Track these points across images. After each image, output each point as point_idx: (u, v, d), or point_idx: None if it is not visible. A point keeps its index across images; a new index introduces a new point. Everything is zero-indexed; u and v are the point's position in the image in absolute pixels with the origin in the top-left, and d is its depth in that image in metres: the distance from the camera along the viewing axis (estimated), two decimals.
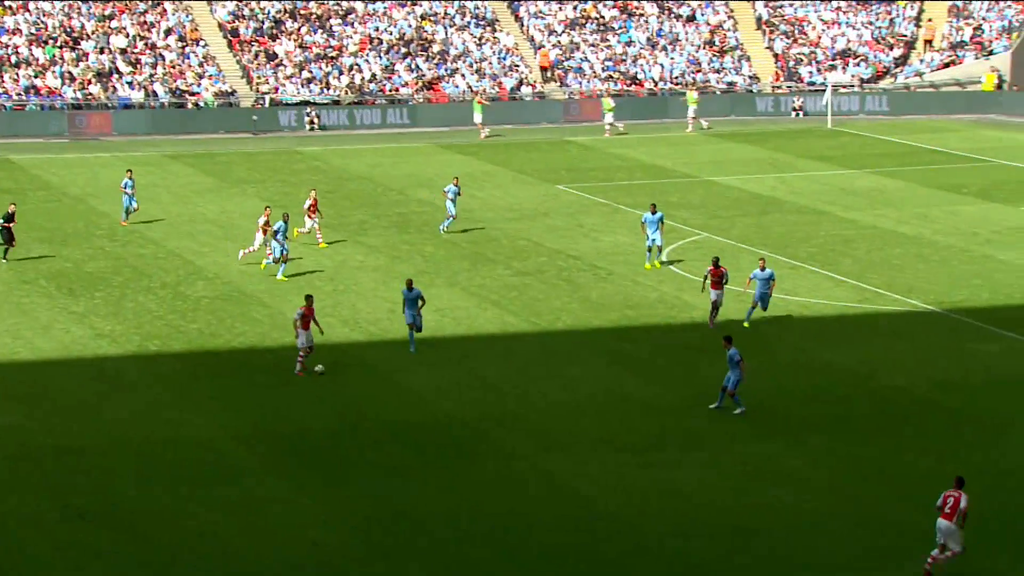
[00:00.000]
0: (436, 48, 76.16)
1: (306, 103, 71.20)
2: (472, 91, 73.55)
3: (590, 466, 27.63)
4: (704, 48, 78.21)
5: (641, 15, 79.86)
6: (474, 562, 23.67)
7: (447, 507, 25.80)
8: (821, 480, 26.84)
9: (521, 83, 75.09)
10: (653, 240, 41.62)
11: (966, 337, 35.47)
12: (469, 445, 28.88)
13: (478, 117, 67.83)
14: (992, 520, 24.99)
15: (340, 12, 76.88)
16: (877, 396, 31.48)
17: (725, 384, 30.15)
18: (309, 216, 44.93)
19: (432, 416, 30.53)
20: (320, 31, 75.65)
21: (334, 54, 74.56)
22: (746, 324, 35.60)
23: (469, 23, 78.00)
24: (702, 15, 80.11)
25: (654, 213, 41.60)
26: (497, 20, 78.80)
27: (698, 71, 76.69)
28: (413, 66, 74.80)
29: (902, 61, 77.60)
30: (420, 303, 34.02)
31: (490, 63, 75.76)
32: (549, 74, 76.05)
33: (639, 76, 76.17)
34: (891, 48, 78.08)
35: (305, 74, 72.89)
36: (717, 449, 28.43)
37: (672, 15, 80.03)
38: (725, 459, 27.88)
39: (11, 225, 42.71)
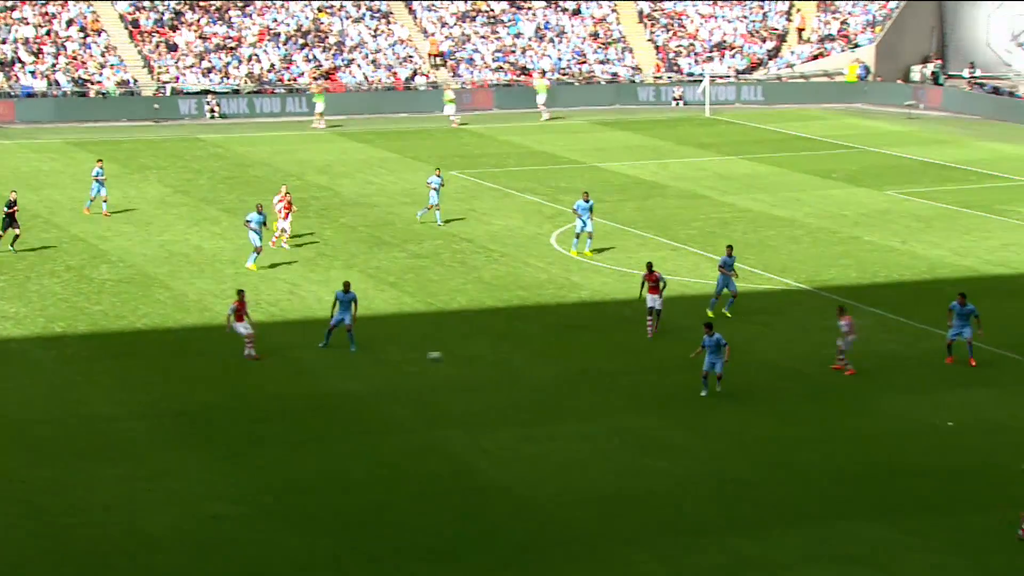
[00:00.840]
0: (333, 39, 75.62)
1: (206, 92, 70.27)
2: (368, 81, 73.16)
3: (482, 440, 27.66)
4: (589, 40, 78.50)
5: (529, 8, 79.93)
6: (370, 530, 23.57)
7: (343, 479, 25.68)
8: (697, 450, 27.13)
9: (415, 73, 74.83)
10: (584, 227, 41.04)
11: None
12: (365, 420, 28.75)
13: (320, 107, 67.04)
14: (856, 483, 25.45)
15: (239, 4, 75.97)
16: (752, 369, 31.85)
17: (708, 371, 29.53)
18: (285, 210, 42.79)
19: (330, 393, 30.35)
20: (219, 22, 74.71)
21: (233, 45, 73.67)
22: (728, 313, 35.13)
23: (364, 15, 77.55)
24: (587, 9, 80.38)
25: (587, 201, 41.20)
26: (391, 13, 78.44)
27: (583, 62, 76.96)
28: (310, 56, 74.20)
29: (774, 53, 78.53)
30: (354, 306, 32.77)
31: (385, 54, 75.41)
32: (439, 60, 75.89)
33: (528, 67, 76.26)
34: (764, 41, 78.98)
35: (205, 64, 71.94)
36: (602, 423, 28.61)
37: (559, 8, 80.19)
38: (609, 432, 28.06)
39: (14, 211, 41.39)
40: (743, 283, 37.78)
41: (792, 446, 27.28)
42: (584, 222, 41.08)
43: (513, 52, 77.06)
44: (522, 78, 75.44)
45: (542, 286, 38.80)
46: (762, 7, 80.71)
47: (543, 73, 73.03)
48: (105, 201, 46.58)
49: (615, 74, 76.70)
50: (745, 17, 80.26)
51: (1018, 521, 23.44)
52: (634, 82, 76.10)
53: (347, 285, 32.99)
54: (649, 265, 34.15)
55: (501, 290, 38.41)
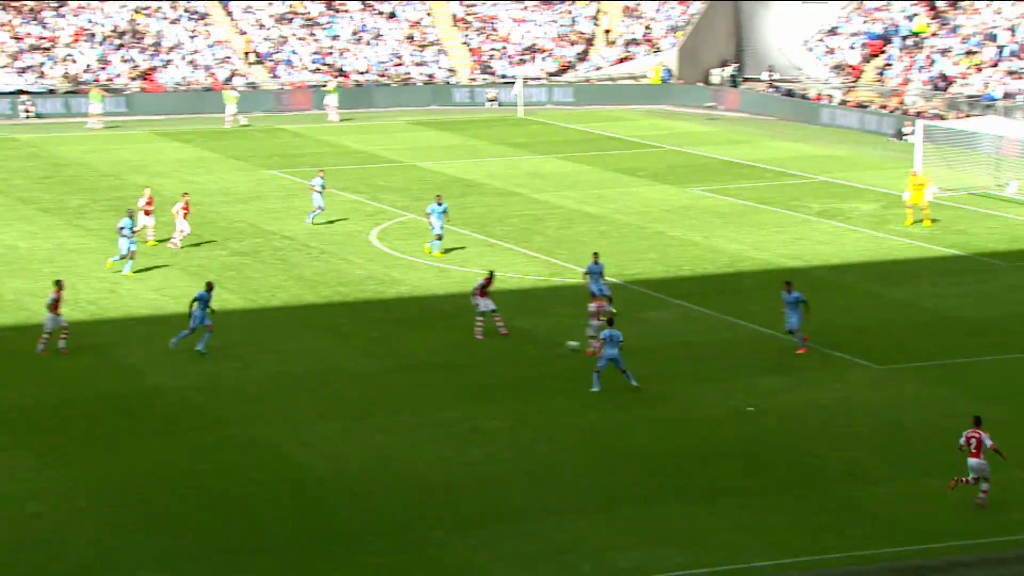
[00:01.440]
0: (150, 40, 73.95)
1: (20, 92, 67.97)
2: (204, 81, 71.72)
3: (304, 434, 27.38)
4: (405, 42, 78.36)
5: (345, 11, 79.41)
6: (193, 526, 23.12)
7: (166, 476, 25.14)
8: (513, 439, 27.30)
9: (233, 74, 73.66)
10: (438, 230, 40.60)
11: (643, 306, 36.62)
12: (187, 417, 28.19)
13: (95, 107, 65.19)
14: (664, 467, 25.94)
15: (52, 5, 73.71)
16: (562, 360, 32.16)
17: (603, 367, 29.44)
18: (146, 214, 41.29)
19: (150, 389, 29.68)
20: (33, 22, 72.38)
21: (48, 45, 71.45)
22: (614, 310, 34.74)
23: (181, 17, 76.01)
24: (402, 12, 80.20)
25: (440, 204, 40.80)
26: (208, 14, 77.05)
27: (399, 64, 76.81)
28: (128, 57, 72.43)
29: (583, 56, 79.50)
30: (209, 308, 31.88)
31: (202, 55, 74.07)
32: (254, 59, 74.85)
33: (345, 68, 75.77)
34: (573, 44, 79.89)
35: (19, 64, 69.57)
36: (422, 414, 28.59)
37: (375, 11, 79.84)
38: (429, 423, 28.06)
39: None
40: (559, 277, 38.19)
41: (602, 433, 27.64)
42: (437, 225, 40.64)
43: (331, 54, 76.47)
44: (339, 79, 74.90)
45: (362, 282, 38.59)
46: (570, 12, 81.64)
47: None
48: None
49: (431, 76, 76.73)
50: (555, 21, 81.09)
51: (816, 501, 24.21)
52: (449, 84, 76.23)
53: (210, 285, 31.92)
54: (491, 273, 33.72)
55: (322, 286, 38.08)
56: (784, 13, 79.37)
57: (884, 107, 67.20)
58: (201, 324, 31.69)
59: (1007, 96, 62.35)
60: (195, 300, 31.67)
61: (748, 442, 27.18)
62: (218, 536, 22.87)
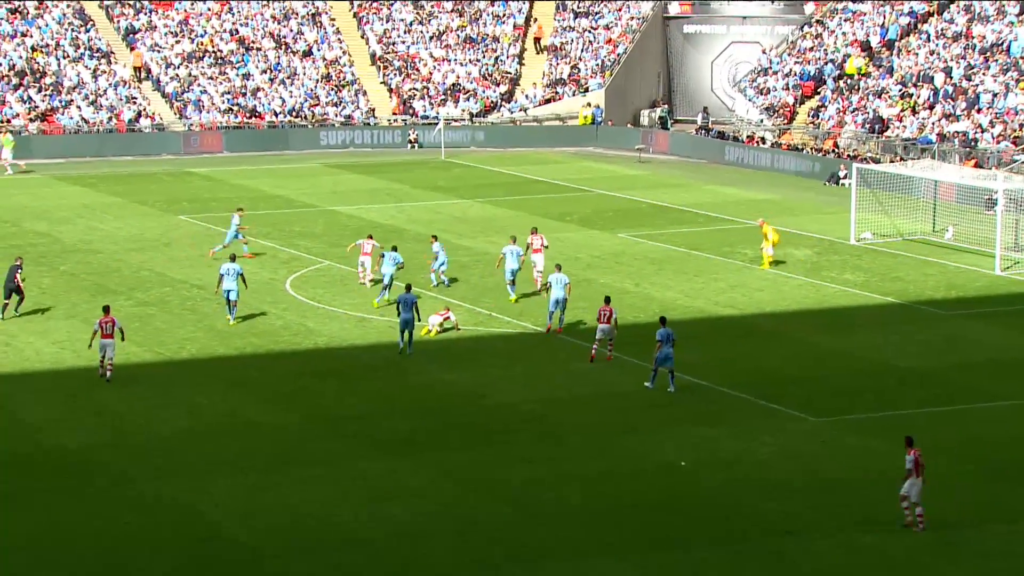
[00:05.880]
0: (49, 80, 73.53)
1: None
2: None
3: (214, 490, 27.29)
4: (322, 82, 78.61)
5: (258, 49, 79.53)
6: None
7: (66, 536, 24.93)
8: (436, 493, 27.38)
9: (140, 115, 73.42)
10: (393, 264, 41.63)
11: (572, 357, 36.89)
12: (89, 474, 27.99)
13: (6, 154, 64.59)
14: (592, 521, 26.16)
15: None
16: (490, 413, 32.36)
17: (667, 366, 32.99)
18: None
19: (50, 447, 29.43)
20: None
21: None
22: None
23: (83, 54, 75.69)
24: (318, 51, 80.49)
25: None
26: (113, 52, 76.80)
27: (316, 104, 77.01)
28: (25, 97, 71.94)
29: (508, 97, 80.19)
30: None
31: (107, 95, 73.76)
32: (142, 75, 74.95)
33: (258, 109, 75.82)
34: (497, 84, 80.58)
35: None
36: (340, 468, 28.60)
37: (289, 50, 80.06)
38: (347, 477, 28.08)
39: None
40: (480, 326, 38.35)
41: (529, 487, 27.78)
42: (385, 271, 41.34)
43: (243, 94, 76.48)
44: (253, 120, 74.95)
45: (277, 333, 38.56)
46: (494, 51, 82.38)
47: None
48: None
49: (349, 116, 77.00)
50: (478, 60, 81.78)
51: (750, 555, 24.52)
52: (369, 124, 76.55)
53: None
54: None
55: (234, 337, 37.99)
56: (715, 52, 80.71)
57: (819, 150, 68.40)
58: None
59: (943, 139, 63.76)
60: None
61: (681, 495, 27.46)
62: None
